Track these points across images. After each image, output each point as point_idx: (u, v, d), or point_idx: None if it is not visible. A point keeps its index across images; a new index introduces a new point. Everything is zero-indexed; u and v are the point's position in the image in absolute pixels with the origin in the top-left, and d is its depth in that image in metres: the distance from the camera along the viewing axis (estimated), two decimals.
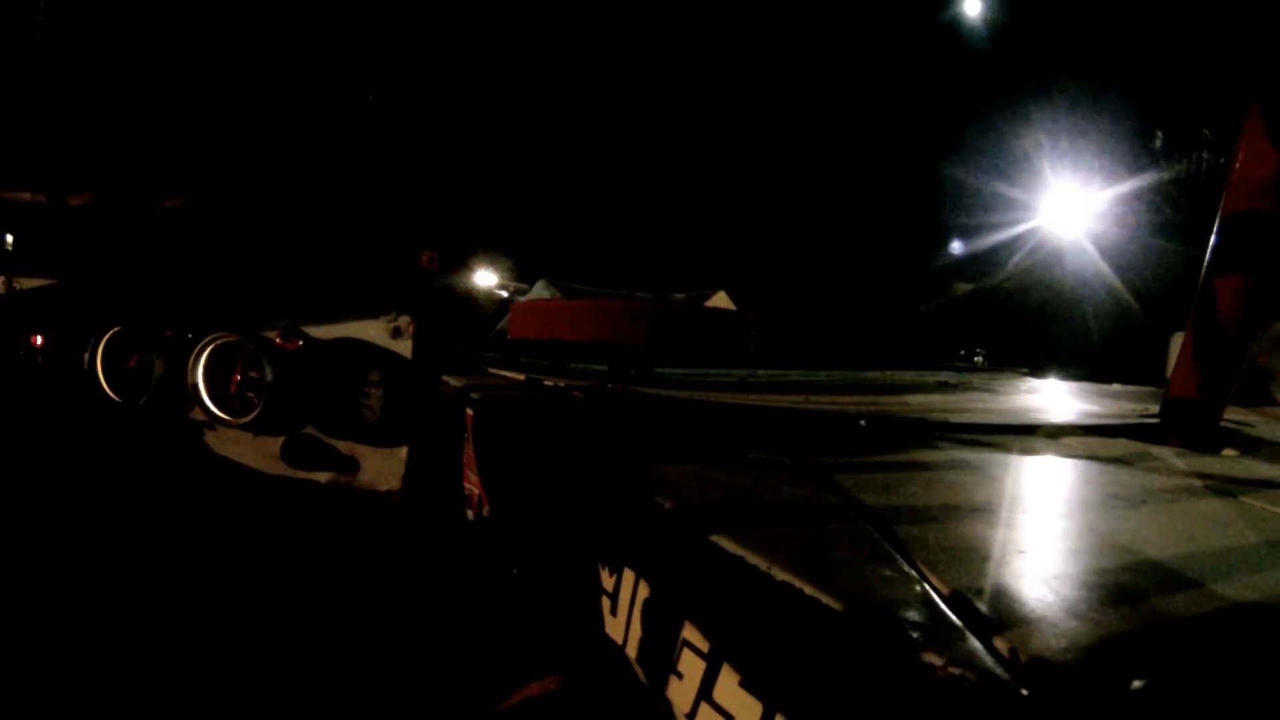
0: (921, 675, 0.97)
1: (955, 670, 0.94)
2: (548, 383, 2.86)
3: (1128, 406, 3.37)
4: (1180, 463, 2.33)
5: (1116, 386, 4.27)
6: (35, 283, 3.46)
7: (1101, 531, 1.51)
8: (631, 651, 1.53)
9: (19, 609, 2.90)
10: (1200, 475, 2.16)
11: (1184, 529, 1.58)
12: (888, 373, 4.02)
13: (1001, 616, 1.04)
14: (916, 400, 3.23)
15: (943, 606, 1.09)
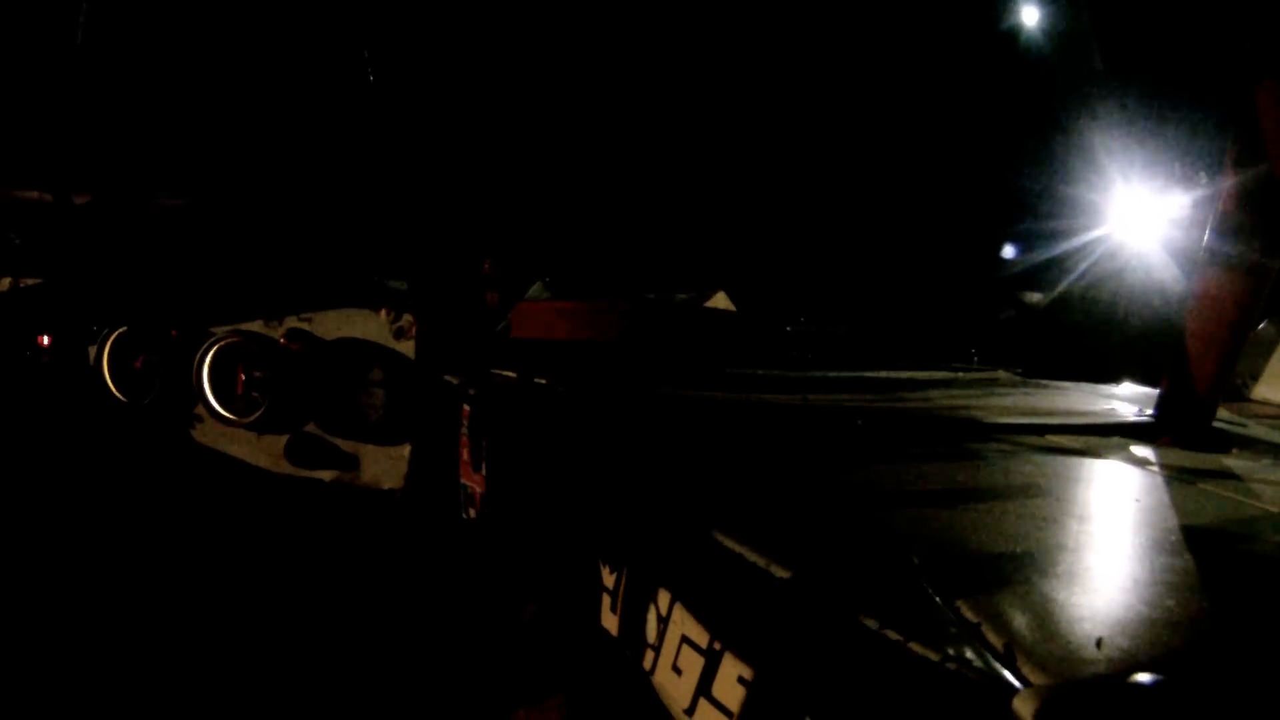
0: (920, 673, 0.98)
1: (951, 665, 0.96)
2: (540, 381, 2.87)
3: (1124, 405, 3.38)
4: (1172, 460, 2.34)
5: (1112, 386, 4.27)
6: (40, 282, 3.47)
7: (1101, 530, 1.53)
8: (629, 648, 1.54)
9: (22, 608, 2.91)
10: (1191, 472, 2.17)
11: (1173, 525, 1.59)
12: (883, 372, 4.01)
13: (995, 611, 1.05)
14: (913, 399, 3.23)
15: (937, 601, 1.10)
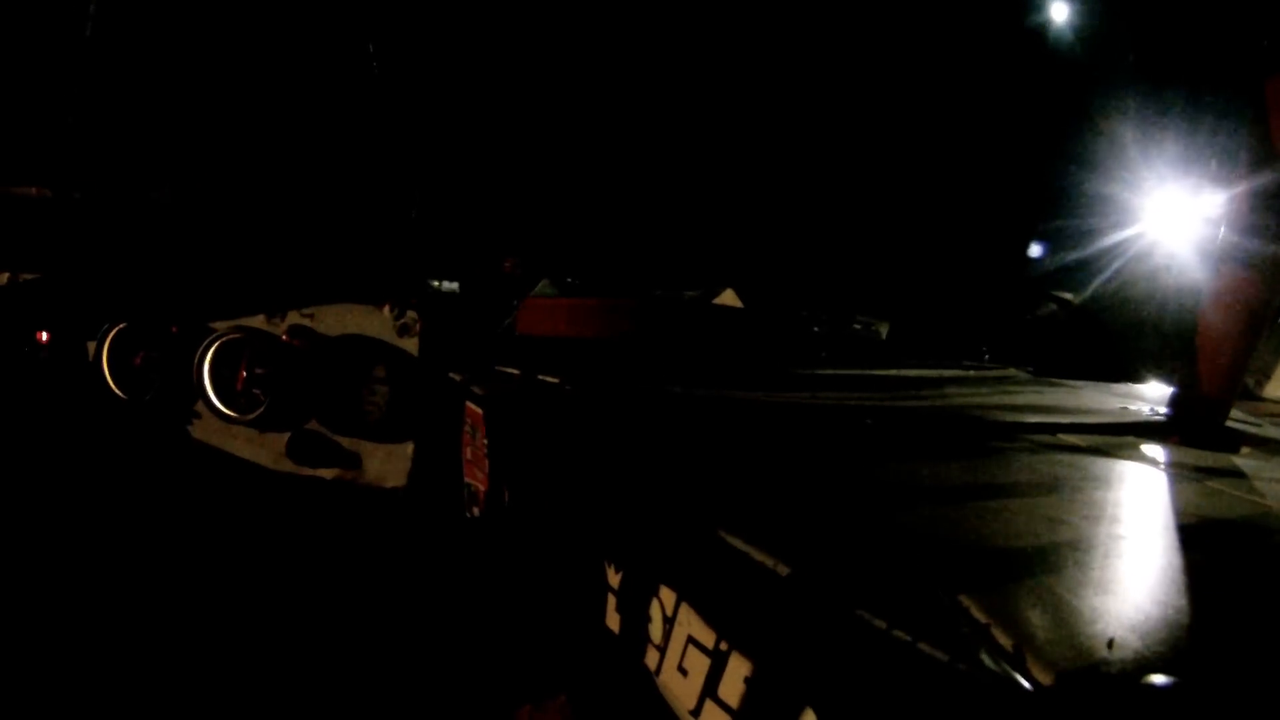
0: (930, 672, 0.98)
1: (961, 666, 0.95)
2: (548, 379, 2.85)
3: (1137, 404, 3.36)
4: (1183, 459, 2.32)
5: (1125, 384, 4.25)
6: (39, 277, 3.46)
7: (1111, 529, 1.51)
8: (634, 649, 1.53)
9: (21, 606, 2.89)
10: (1202, 470, 2.17)
11: (1184, 525, 1.58)
12: (892, 370, 4.00)
13: (1005, 611, 1.03)
14: (923, 396, 3.22)
15: (947, 601, 1.08)
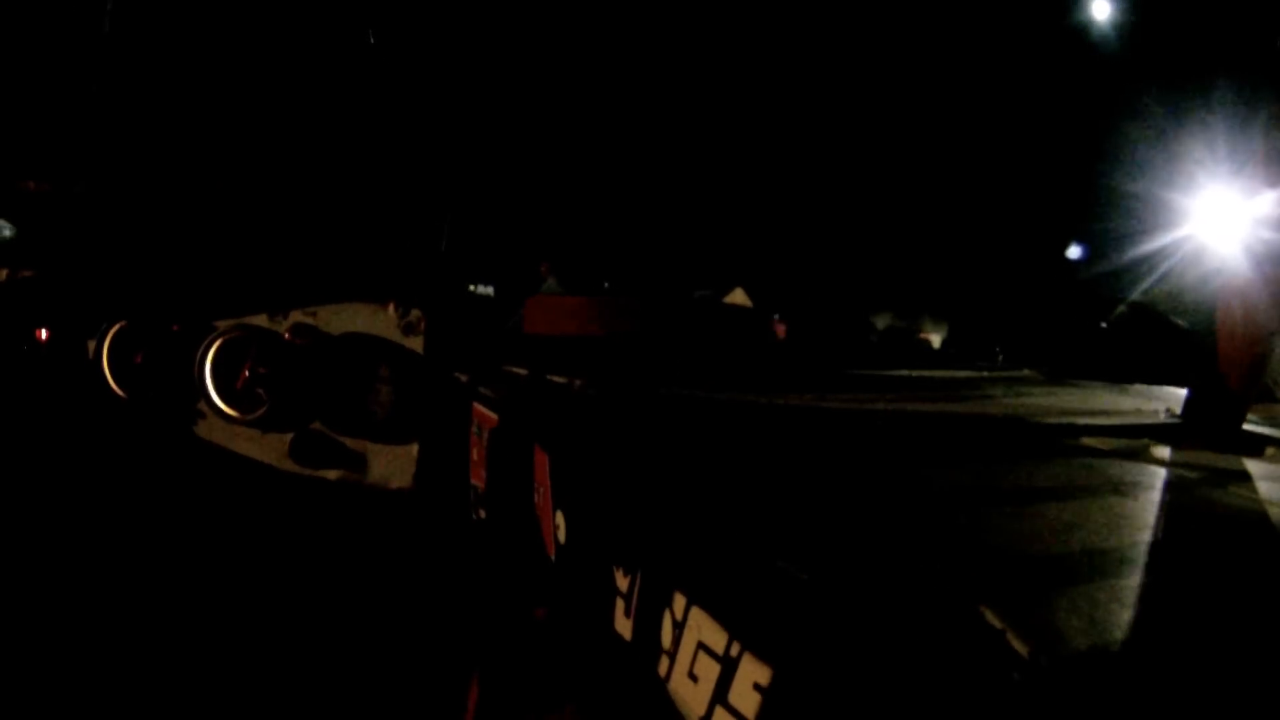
0: (941, 678, 0.97)
1: (973, 673, 0.94)
2: (557, 379, 2.83)
3: (1152, 406, 3.33)
4: (1202, 462, 2.30)
5: (1140, 386, 4.24)
6: (38, 274, 3.45)
7: (1126, 535, 1.48)
8: (643, 653, 1.51)
9: (22, 608, 2.89)
10: (1220, 474, 2.14)
11: (1202, 531, 1.58)
12: (902, 371, 4.00)
13: (1019, 617, 1.01)
14: (938, 398, 3.22)
15: (960, 606, 1.05)
